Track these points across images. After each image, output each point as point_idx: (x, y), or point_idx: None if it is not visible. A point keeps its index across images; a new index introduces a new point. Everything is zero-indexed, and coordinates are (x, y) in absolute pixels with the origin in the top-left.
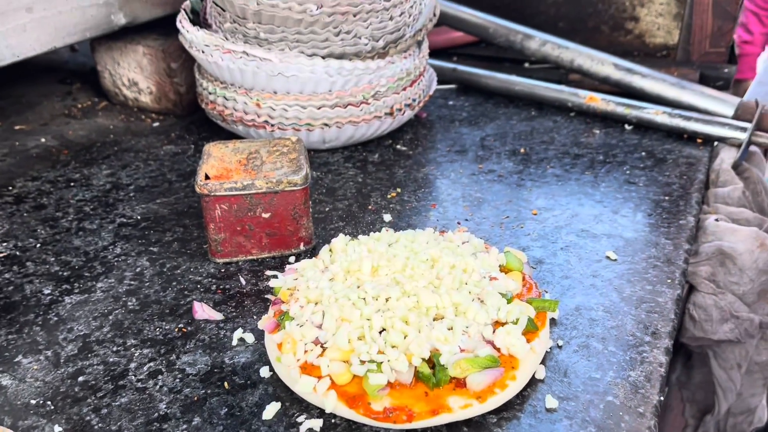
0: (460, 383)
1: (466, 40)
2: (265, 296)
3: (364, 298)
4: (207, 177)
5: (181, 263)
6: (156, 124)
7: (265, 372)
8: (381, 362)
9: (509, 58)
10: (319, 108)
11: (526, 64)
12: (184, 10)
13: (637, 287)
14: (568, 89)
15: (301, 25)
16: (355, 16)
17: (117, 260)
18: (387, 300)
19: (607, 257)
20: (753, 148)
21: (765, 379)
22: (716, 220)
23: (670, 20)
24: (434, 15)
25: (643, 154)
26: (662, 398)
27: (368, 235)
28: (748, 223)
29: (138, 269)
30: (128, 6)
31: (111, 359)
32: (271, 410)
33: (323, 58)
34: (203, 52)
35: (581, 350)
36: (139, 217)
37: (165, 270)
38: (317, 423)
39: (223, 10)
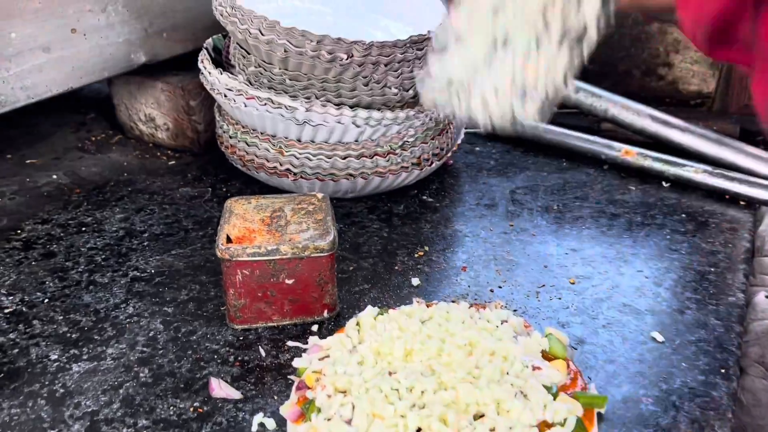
0: None
1: None
2: (287, 373)
3: (397, 390)
4: (229, 239)
5: (197, 327)
6: (172, 162)
7: None
8: None
9: None
10: (344, 158)
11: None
12: (206, 48)
13: (688, 377)
14: (601, 140)
15: (329, 73)
16: (386, 66)
17: (129, 321)
18: (422, 393)
19: (653, 339)
20: None
21: None
22: (766, 296)
23: (706, 68)
24: None
25: (684, 216)
26: None
27: (396, 303)
28: None
29: (151, 333)
30: (148, 44)
31: None
32: None
33: (351, 107)
34: (225, 96)
35: None
36: (153, 271)
37: (180, 336)
38: None
39: (248, 53)
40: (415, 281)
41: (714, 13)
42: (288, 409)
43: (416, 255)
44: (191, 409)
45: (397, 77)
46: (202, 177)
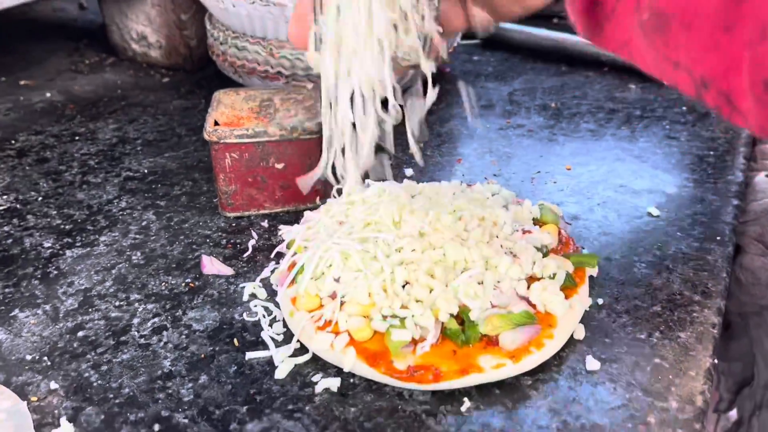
0: (491, 342)
1: None
2: (277, 250)
3: (386, 252)
4: (216, 124)
5: (189, 217)
6: (166, 79)
7: (278, 328)
8: (404, 318)
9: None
10: None
11: (555, 20)
12: None
13: (682, 244)
14: None
15: None
16: None
17: (122, 214)
18: (412, 251)
19: (649, 213)
20: None
21: None
22: (766, 176)
23: None
24: None
25: (684, 108)
26: (715, 361)
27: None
28: None
29: (144, 223)
30: None
31: (113, 314)
32: (284, 369)
33: None
34: None
35: (624, 310)
36: (146, 171)
37: (172, 224)
38: (334, 382)
39: None
40: (409, 172)
41: None
42: (277, 276)
43: (409, 152)
44: (183, 285)
45: None
46: (196, 90)
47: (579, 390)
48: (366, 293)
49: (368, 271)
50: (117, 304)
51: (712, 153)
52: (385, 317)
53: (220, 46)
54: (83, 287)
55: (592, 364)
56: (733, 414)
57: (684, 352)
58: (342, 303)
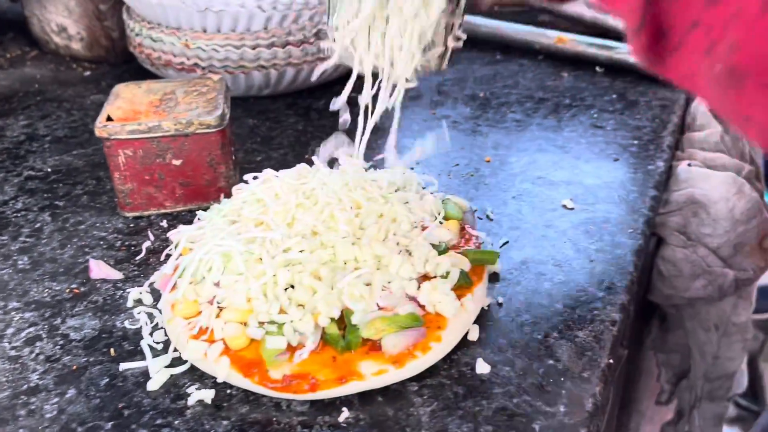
0: (375, 346)
1: None
2: (166, 252)
3: (272, 253)
4: (110, 119)
5: (86, 218)
6: (87, 73)
7: (159, 336)
8: (282, 323)
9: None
10: (253, 48)
11: (496, 8)
12: None
13: (594, 238)
14: (536, 30)
15: None
16: None
17: (15, 216)
18: (300, 252)
19: (564, 206)
20: None
21: (744, 341)
22: (689, 165)
23: None
24: None
25: (614, 96)
26: (612, 361)
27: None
28: (725, 168)
29: (37, 225)
30: None
31: None
32: (158, 380)
33: None
34: None
35: (524, 308)
36: (49, 170)
37: (67, 226)
38: (209, 394)
39: None
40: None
41: None
42: (160, 279)
43: (319, 145)
44: (67, 291)
45: None
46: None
47: (466, 396)
48: (245, 298)
49: (249, 273)
50: None
51: (635, 142)
52: (261, 323)
53: (137, 37)
54: None
55: (482, 367)
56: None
57: (580, 352)
58: (220, 309)
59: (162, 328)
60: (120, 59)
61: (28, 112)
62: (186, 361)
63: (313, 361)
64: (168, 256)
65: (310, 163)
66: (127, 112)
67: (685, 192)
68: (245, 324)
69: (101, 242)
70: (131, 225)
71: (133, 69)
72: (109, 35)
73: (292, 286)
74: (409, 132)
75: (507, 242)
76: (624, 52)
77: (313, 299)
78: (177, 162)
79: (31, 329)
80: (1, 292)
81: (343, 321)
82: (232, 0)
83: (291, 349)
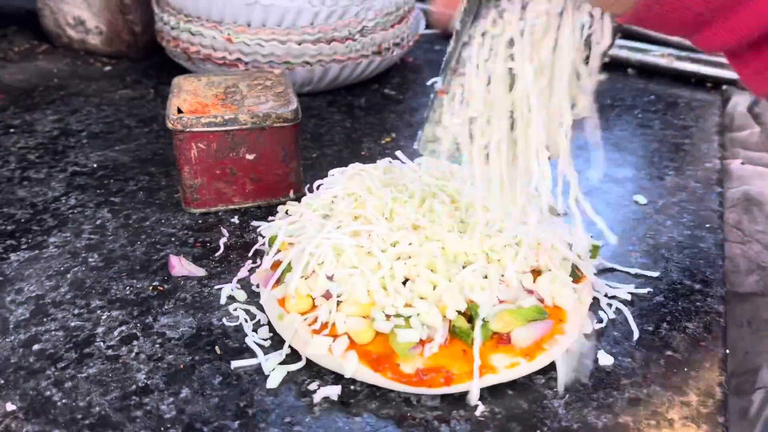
0: (502, 339)
1: None
2: (256, 248)
3: (381, 247)
4: (180, 111)
5: (149, 214)
6: (108, 68)
7: (264, 333)
8: (409, 316)
9: None
10: (299, 44)
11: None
12: None
13: (674, 232)
14: None
15: None
16: None
17: (72, 212)
18: (409, 245)
19: (636, 202)
20: None
21: None
22: (742, 163)
23: None
24: None
25: (653, 97)
26: (728, 351)
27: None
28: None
29: (98, 222)
30: None
31: (72, 323)
32: (276, 377)
33: None
34: None
35: (627, 301)
36: (95, 165)
37: (131, 222)
38: (334, 390)
39: None
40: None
41: None
42: (260, 276)
43: (383, 141)
44: (150, 288)
45: None
46: (143, 80)
47: (597, 387)
48: (365, 291)
49: (365, 267)
50: (76, 312)
51: (687, 141)
52: (388, 317)
53: (172, 31)
54: (34, 294)
55: (606, 359)
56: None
57: (695, 343)
58: (337, 303)
59: (264, 324)
60: (141, 54)
61: (54, 107)
62: (300, 358)
63: (444, 355)
64: (258, 251)
65: (365, 160)
66: (194, 105)
67: (740, 189)
68: (367, 317)
69: (172, 239)
70: (199, 221)
71: (158, 64)
72: (132, 29)
73: (407, 280)
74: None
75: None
76: (656, 54)
77: (435, 292)
78: (250, 156)
79: (123, 328)
80: (78, 290)
81: (466, 314)
82: None
83: (420, 342)
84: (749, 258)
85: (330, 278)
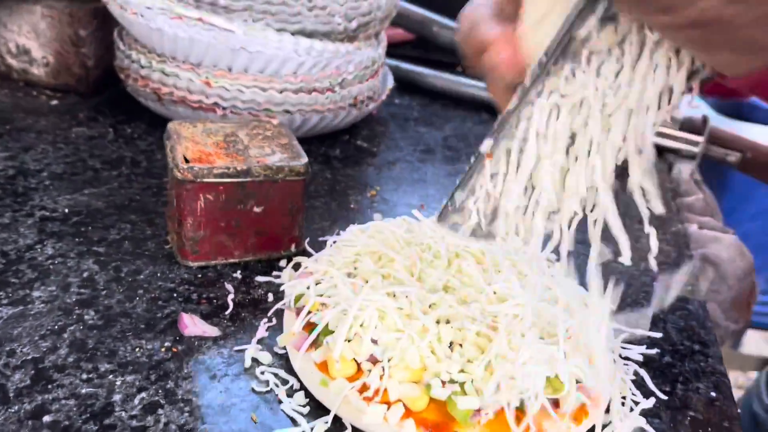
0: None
1: (400, 38)
2: (265, 309)
3: (422, 309)
4: (186, 160)
5: (141, 267)
6: (54, 102)
7: (300, 399)
8: (464, 382)
9: (438, 60)
10: (281, 92)
11: (459, 68)
12: None
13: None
14: None
15: None
16: None
17: (52, 263)
18: (450, 307)
19: (621, 263)
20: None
21: None
22: (699, 228)
23: None
24: (396, 4)
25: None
26: (739, 411)
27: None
28: (716, 231)
29: (85, 274)
30: None
31: (83, 391)
32: None
33: (292, 34)
34: (143, 16)
35: (640, 363)
36: (66, 211)
37: (123, 275)
38: None
39: None
40: (377, 217)
41: None
42: (290, 338)
43: (368, 194)
44: (163, 350)
45: (342, 5)
46: (98, 117)
47: None
48: (416, 356)
49: (411, 330)
50: (84, 377)
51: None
52: (444, 383)
53: (141, 69)
54: (30, 357)
55: (637, 419)
56: None
57: (710, 402)
58: (384, 368)
59: (298, 390)
60: (91, 89)
61: (2, 143)
62: (343, 425)
63: (499, 421)
64: (279, 310)
65: (355, 213)
66: (196, 153)
67: (699, 252)
68: (419, 382)
69: (174, 294)
70: (199, 275)
71: (109, 101)
72: (84, 63)
73: (452, 343)
74: (441, 186)
75: None
76: None
77: (483, 357)
78: (258, 209)
79: (143, 395)
80: (80, 352)
81: None
82: (269, 41)
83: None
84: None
85: (374, 342)
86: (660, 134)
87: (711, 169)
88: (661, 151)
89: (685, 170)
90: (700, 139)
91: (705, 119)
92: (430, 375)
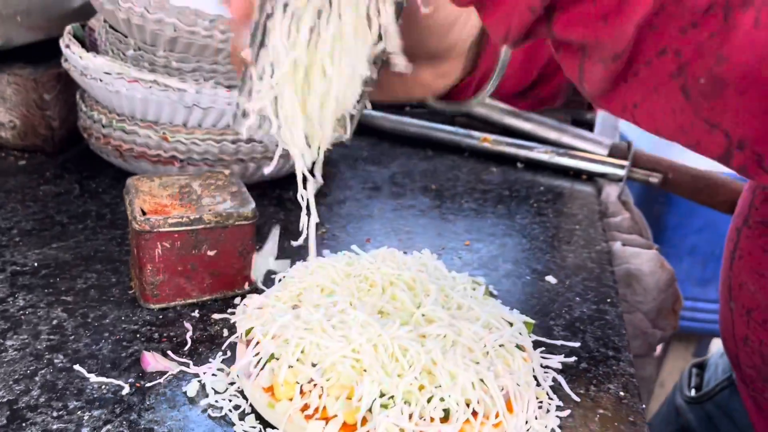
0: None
1: None
2: (221, 344)
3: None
4: (143, 212)
5: (107, 312)
6: (22, 162)
7: (251, 421)
8: (392, 396)
9: (387, 103)
10: (233, 143)
11: (407, 108)
12: (69, 35)
13: (584, 307)
14: (462, 131)
15: (220, 55)
16: None
17: (23, 314)
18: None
19: (548, 281)
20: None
21: (649, 392)
22: (623, 245)
23: None
24: None
25: (542, 188)
26: (644, 407)
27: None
28: (641, 247)
29: (54, 322)
30: (3, 27)
31: (54, 426)
32: None
33: None
34: (101, 80)
35: (560, 369)
36: (36, 264)
37: (90, 321)
38: None
39: (125, 36)
40: (326, 252)
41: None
42: (241, 366)
43: (319, 233)
44: (127, 386)
45: None
46: (64, 174)
47: None
48: (349, 375)
49: (346, 352)
50: (55, 414)
51: (577, 227)
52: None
53: (103, 129)
54: (5, 400)
55: (552, 419)
56: None
57: (618, 401)
58: (324, 387)
59: (249, 413)
60: (57, 148)
61: None
62: None
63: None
64: (233, 343)
65: (306, 250)
66: (153, 206)
67: (622, 267)
68: (351, 399)
69: (137, 335)
70: (160, 316)
71: (74, 158)
72: (49, 124)
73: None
74: (386, 220)
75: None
76: (540, 150)
77: (411, 373)
78: (211, 253)
79: (109, 426)
80: (51, 392)
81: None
82: (219, 98)
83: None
84: (634, 325)
85: (314, 365)
86: (589, 160)
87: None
88: (590, 176)
89: (612, 193)
90: (625, 163)
91: (629, 145)
92: (364, 391)
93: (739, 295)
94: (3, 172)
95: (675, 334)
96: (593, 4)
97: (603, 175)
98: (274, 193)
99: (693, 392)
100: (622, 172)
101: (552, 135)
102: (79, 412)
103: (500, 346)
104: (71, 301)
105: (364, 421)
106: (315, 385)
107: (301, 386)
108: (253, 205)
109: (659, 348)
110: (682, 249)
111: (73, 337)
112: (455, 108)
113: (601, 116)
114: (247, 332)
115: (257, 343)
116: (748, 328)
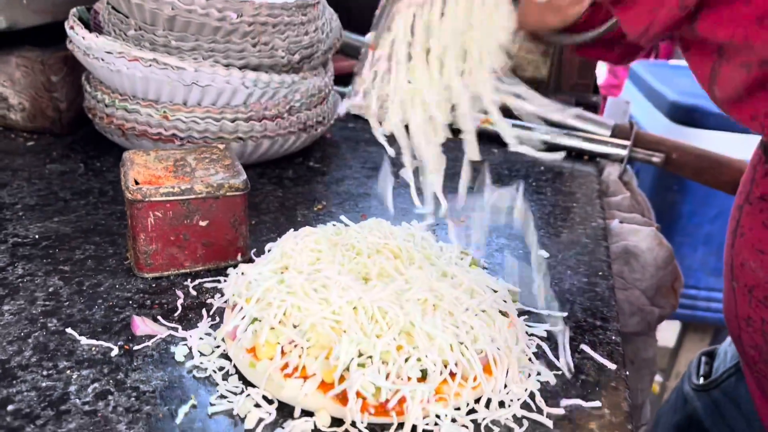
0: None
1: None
2: (209, 307)
3: (339, 294)
4: (136, 182)
5: (102, 280)
6: (31, 143)
7: (234, 381)
8: (370, 356)
9: None
10: (233, 121)
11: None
12: (74, 17)
13: (574, 280)
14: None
15: (218, 33)
16: (273, 27)
17: (22, 281)
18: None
19: (540, 256)
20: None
21: (651, 374)
22: (620, 222)
23: (539, 57)
24: (340, 36)
25: (542, 168)
26: (627, 374)
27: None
28: (640, 225)
29: (51, 289)
30: (9, 10)
31: (43, 384)
32: (252, 418)
33: (239, 68)
34: (103, 60)
35: (543, 338)
36: (37, 236)
37: (85, 288)
38: (307, 425)
39: (126, 17)
40: (320, 227)
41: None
42: (226, 330)
43: (315, 209)
44: (116, 348)
45: (284, 40)
46: (70, 155)
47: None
48: (328, 336)
49: (326, 313)
50: (45, 373)
51: (575, 205)
52: (352, 359)
53: (106, 108)
54: None
55: (533, 384)
56: None
57: (602, 368)
58: (304, 348)
59: (233, 374)
60: (65, 130)
61: None
62: (270, 401)
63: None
64: (221, 309)
65: (301, 225)
66: (147, 177)
67: (619, 244)
68: (329, 358)
69: (129, 302)
70: (153, 285)
71: (82, 139)
72: (57, 106)
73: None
74: (382, 198)
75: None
76: (541, 132)
77: (390, 333)
78: (203, 223)
79: (96, 385)
80: (42, 353)
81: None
82: (217, 76)
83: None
84: (631, 302)
85: (295, 326)
86: (591, 140)
87: (671, 176)
88: (592, 156)
89: (613, 172)
90: (626, 143)
91: (632, 125)
92: (342, 351)
93: (740, 274)
94: (11, 152)
95: (690, 324)
96: (746, 5)
97: (605, 156)
98: (274, 173)
99: (701, 380)
100: (624, 152)
101: (555, 116)
102: (68, 372)
103: (482, 311)
104: (68, 270)
105: (342, 379)
106: (296, 345)
107: (282, 347)
108: (244, 176)
109: (674, 339)
110: (697, 238)
111: (67, 303)
112: (574, 40)
113: (610, 101)
114: (233, 300)
115: (242, 307)
116: (750, 307)
